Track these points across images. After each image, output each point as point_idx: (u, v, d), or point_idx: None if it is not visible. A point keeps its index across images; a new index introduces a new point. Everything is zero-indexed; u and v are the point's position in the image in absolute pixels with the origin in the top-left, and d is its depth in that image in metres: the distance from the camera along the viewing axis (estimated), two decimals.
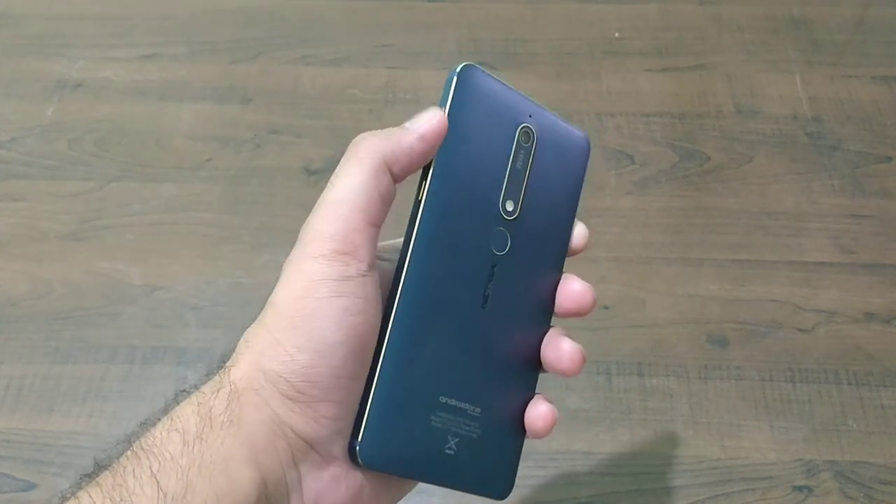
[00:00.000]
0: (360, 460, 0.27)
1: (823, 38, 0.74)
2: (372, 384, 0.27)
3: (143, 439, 0.26)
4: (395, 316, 0.28)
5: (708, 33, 0.75)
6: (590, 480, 0.50)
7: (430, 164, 0.29)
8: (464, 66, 0.30)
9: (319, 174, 0.64)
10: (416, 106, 0.69)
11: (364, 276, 0.27)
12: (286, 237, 0.67)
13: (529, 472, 0.50)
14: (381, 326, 0.28)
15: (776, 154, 0.66)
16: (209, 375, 0.28)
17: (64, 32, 0.76)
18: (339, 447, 0.27)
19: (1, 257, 0.61)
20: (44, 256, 0.61)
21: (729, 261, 0.59)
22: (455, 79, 0.30)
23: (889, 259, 0.59)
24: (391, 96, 0.70)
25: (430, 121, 0.29)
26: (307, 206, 0.69)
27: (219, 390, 0.26)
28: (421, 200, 0.29)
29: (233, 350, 0.28)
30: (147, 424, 0.27)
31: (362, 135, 0.29)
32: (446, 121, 0.29)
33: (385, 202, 0.28)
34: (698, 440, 0.51)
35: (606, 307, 0.57)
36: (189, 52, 0.74)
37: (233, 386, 0.26)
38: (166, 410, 0.27)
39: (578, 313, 0.32)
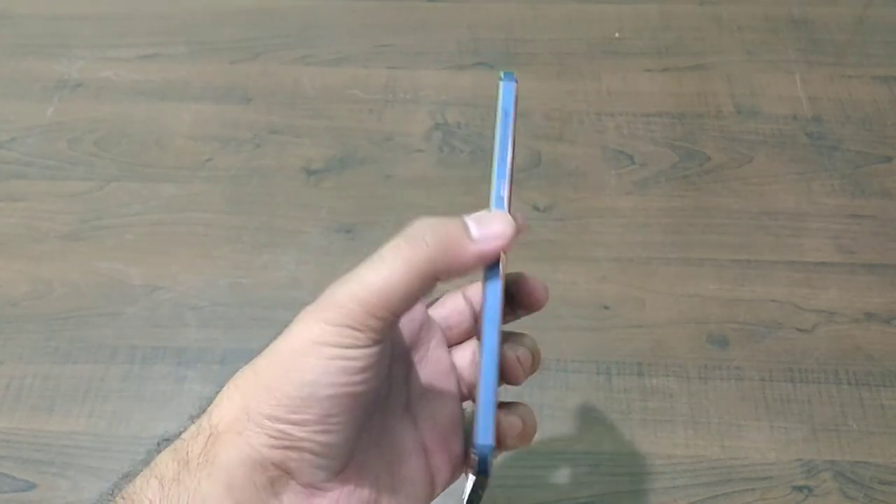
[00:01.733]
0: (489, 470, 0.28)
1: (823, 38, 0.74)
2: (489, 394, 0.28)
3: (123, 490, 0.26)
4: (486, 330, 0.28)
5: (708, 33, 0.75)
6: (590, 480, 0.50)
7: None
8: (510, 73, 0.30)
9: (319, 174, 0.64)
10: (415, 105, 0.69)
11: (370, 347, 0.27)
12: (286, 237, 0.68)
13: (529, 472, 0.50)
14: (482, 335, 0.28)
15: (776, 154, 0.66)
16: (191, 419, 0.28)
17: (64, 32, 0.76)
18: (321, 479, 0.27)
19: (1, 257, 0.61)
20: (44, 256, 0.61)
21: (729, 261, 0.59)
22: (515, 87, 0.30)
23: (889, 259, 0.59)
24: (391, 96, 0.70)
25: (500, 236, 0.28)
26: (307, 206, 0.69)
27: (197, 434, 0.26)
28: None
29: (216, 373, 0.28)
30: (130, 476, 0.27)
31: (421, 228, 0.27)
32: (514, 233, 0.28)
33: (420, 300, 0.28)
34: (698, 440, 0.51)
35: (606, 307, 0.57)
36: (189, 52, 0.74)
37: (213, 429, 0.26)
38: (147, 461, 0.27)
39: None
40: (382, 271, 0.27)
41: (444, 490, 0.32)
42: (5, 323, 0.57)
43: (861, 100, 0.69)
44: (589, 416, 0.52)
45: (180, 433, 0.28)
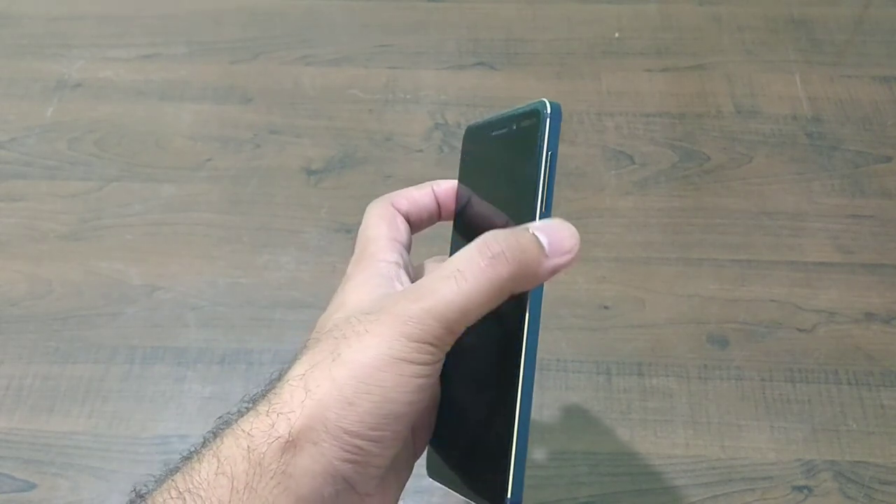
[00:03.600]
0: None
1: (823, 38, 0.74)
2: (513, 438, 0.27)
3: (187, 477, 0.25)
4: (523, 373, 0.28)
5: (708, 33, 0.75)
6: (590, 480, 0.50)
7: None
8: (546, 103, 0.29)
9: (319, 174, 0.64)
10: (416, 105, 0.69)
11: (440, 361, 0.27)
12: (286, 237, 0.68)
13: (529, 472, 0.50)
14: (509, 387, 0.28)
15: (776, 154, 0.66)
16: (247, 403, 0.28)
17: (64, 32, 0.76)
18: (374, 485, 0.28)
19: (1, 257, 0.61)
20: (44, 256, 0.61)
21: (729, 261, 0.59)
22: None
23: (889, 259, 0.59)
24: (391, 96, 0.70)
25: (570, 251, 0.28)
26: (307, 206, 0.69)
27: (275, 439, 0.26)
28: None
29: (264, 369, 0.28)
30: (189, 459, 0.26)
31: (497, 243, 0.27)
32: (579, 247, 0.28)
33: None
34: (698, 440, 0.51)
35: (606, 307, 0.57)
36: (189, 52, 0.74)
37: (291, 437, 0.26)
38: (206, 443, 0.27)
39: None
40: (464, 289, 0.26)
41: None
42: (5, 323, 0.57)
43: (861, 100, 0.69)
44: (589, 416, 0.52)
45: (235, 414, 0.27)
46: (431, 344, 0.26)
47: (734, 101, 0.69)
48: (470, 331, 0.28)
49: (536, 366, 0.28)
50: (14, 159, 0.67)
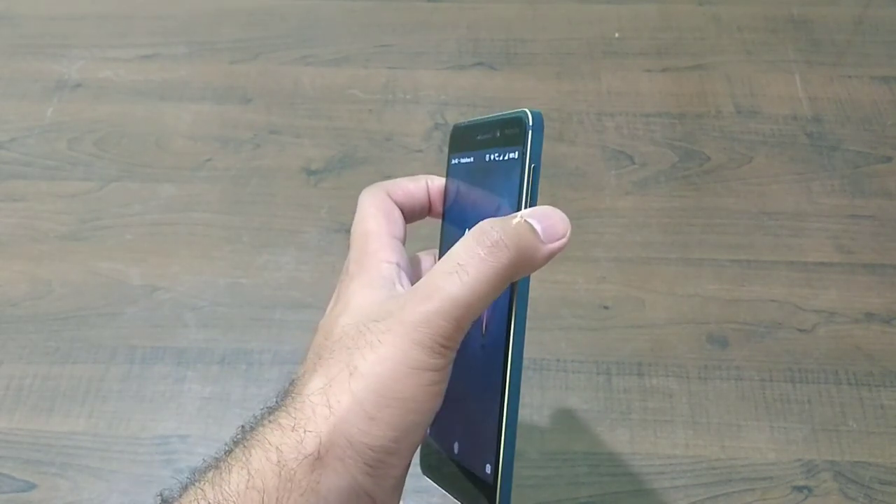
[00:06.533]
0: None
1: (823, 38, 0.74)
2: (501, 442, 0.28)
3: (216, 487, 0.25)
4: (509, 383, 0.28)
5: (708, 33, 0.75)
6: (590, 480, 0.50)
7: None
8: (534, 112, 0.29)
9: (319, 174, 0.64)
10: (415, 105, 0.69)
11: (452, 361, 0.27)
12: (286, 237, 0.67)
13: (529, 473, 0.50)
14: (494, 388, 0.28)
15: (776, 154, 0.66)
16: (267, 414, 0.27)
17: (64, 32, 0.76)
18: (391, 496, 0.28)
19: (1, 257, 0.61)
20: (44, 256, 0.61)
21: (729, 261, 0.59)
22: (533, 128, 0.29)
23: (889, 259, 0.59)
24: (391, 96, 0.70)
25: (563, 236, 0.28)
26: (307, 206, 0.69)
27: (304, 456, 0.26)
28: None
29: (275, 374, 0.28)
30: (217, 468, 0.26)
31: (495, 232, 0.27)
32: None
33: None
34: (698, 440, 0.51)
35: (606, 307, 0.57)
36: (189, 52, 0.74)
37: (319, 454, 0.26)
38: (232, 453, 0.26)
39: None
40: (467, 282, 0.26)
41: None
42: (5, 323, 0.57)
43: (861, 100, 0.69)
44: (589, 416, 0.52)
45: (257, 419, 0.27)
46: (443, 346, 0.26)
47: (734, 101, 0.69)
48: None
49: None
50: (14, 159, 0.67)
